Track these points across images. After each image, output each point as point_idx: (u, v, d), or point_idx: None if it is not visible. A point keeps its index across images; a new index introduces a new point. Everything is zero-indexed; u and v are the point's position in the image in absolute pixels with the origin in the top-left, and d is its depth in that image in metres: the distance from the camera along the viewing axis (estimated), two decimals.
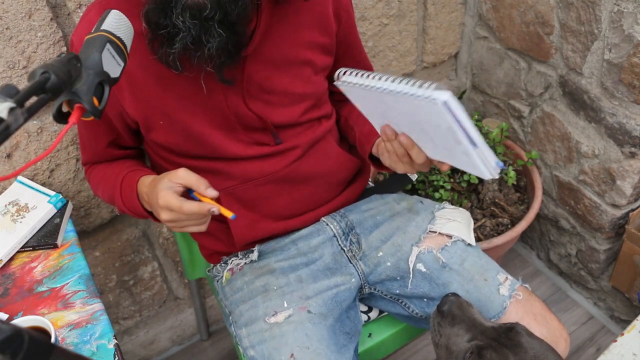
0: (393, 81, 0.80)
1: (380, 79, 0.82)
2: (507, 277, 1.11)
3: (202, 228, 0.90)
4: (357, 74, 0.86)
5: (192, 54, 0.86)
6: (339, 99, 1.21)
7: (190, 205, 0.86)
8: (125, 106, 0.97)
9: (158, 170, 1.10)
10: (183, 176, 0.87)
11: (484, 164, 0.82)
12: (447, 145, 0.84)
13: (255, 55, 0.96)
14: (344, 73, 0.87)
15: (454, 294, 0.96)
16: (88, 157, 1.12)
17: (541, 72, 1.59)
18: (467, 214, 1.21)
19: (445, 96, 0.74)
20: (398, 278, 1.12)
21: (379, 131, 0.96)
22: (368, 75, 0.84)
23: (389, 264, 1.12)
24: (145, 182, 0.97)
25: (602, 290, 1.75)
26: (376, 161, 1.11)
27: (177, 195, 0.87)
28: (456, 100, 0.75)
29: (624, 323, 1.71)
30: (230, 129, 1.01)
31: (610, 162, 1.48)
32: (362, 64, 1.21)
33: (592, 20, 1.35)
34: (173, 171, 0.89)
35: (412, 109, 0.82)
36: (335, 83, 0.88)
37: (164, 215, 0.88)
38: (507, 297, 1.07)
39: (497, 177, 0.85)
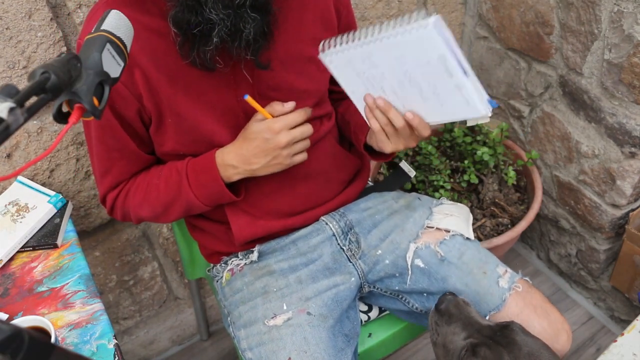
0: (374, 33, 0.83)
1: (361, 36, 0.85)
2: (506, 270, 1.11)
3: (308, 143, 1.02)
4: (338, 41, 0.89)
5: (229, 45, 0.86)
6: (336, 97, 1.21)
7: (295, 113, 0.98)
8: (142, 100, 0.95)
9: None
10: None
11: (478, 96, 0.81)
12: (437, 87, 0.83)
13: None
14: (327, 46, 0.90)
15: (451, 293, 0.97)
16: (115, 176, 1.03)
17: (541, 72, 1.59)
18: (466, 209, 1.22)
19: (434, 19, 0.75)
20: (397, 275, 1.12)
21: (362, 113, 0.97)
22: (348, 37, 0.87)
23: (387, 261, 1.12)
24: (228, 149, 1.00)
25: (602, 290, 1.75)
26: (371, 151, 1.12)
27: None
28: (444, 23, 0.76)
29: (624, 323, 1.71)
30: (238, 128, 1.01)
31: (610, 162, 1.48)
32: None
33: (592, 20, 1.35)
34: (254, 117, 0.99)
35: (399, 54, 0.82)
36: (319, 56, 0.91)
37: (283, 137, 0.96)
38: (507, 290, 1.07)
39: (489, 115, 0.84)
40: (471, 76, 0.81)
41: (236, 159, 0.98)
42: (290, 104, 0.98)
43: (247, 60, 0.91)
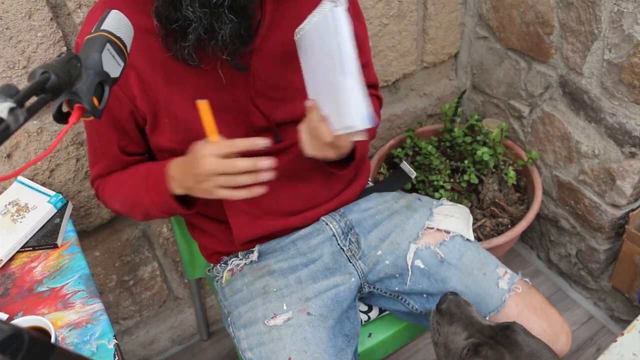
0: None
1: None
2: (506, 271, 1.11)
3: (240, 180, 0.87)
4: (297, 30, 0.91)
5: (206, 43, 0.86)
6: None
7: (230, 142, 0.86)
8: (136, 102, 0.95)
9: None
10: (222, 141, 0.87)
11: (356, 102, 0.78)
12: (336, 86, 0.82)
13: (259, 51, 0.96)
14: (296, 34, 0.92)
15: (453, 293, 0.97)
16: (100, 168, 1.07)
17: (541, 72, 1.59)
18: (466, 209, 1.22)
19: (338, 3, 0.77)
20: (397, 275, 1.12)
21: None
22: (299, 27, 0.90)
23: (387, 262, 1.12)
24: (177, 160, 0.96)
25: (602, 290, 1.75)
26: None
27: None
28: (346, 15, 0.78)
29: (624, 323, 1.71)
30: (235, 127, 1.01)
31: (610, 162, 1.48)
32: (364, 64, 1.21)
33: (592, 20, 1.35)
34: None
35: (314, 43, 0.85)
36: (295, 38, 0.93)
37: (206, 164, 0.85)
38: (507, 291, 1.07)
39: (367, 126, 0.79)
40: (355, 79, 0.78)
41: (177, 173, 0.95)
42: (259, 141, 0.87)
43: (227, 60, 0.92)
